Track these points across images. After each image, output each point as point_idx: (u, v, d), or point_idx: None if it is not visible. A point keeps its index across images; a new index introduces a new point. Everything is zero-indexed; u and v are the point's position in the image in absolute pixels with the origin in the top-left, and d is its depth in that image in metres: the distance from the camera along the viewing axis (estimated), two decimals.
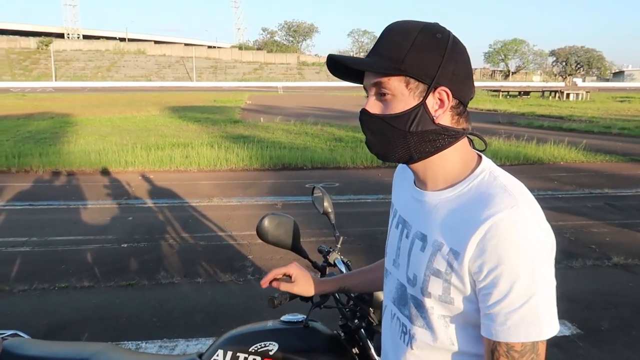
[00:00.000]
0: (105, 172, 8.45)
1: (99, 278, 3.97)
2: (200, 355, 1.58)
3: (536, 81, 76.41)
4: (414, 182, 0.99)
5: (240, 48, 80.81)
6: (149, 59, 71.24)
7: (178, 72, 68.37)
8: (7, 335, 1.64)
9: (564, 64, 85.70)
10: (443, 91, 0.86)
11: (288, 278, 1.38)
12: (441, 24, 0.90)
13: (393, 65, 0.85)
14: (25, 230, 5.19)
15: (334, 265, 1.61)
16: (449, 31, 0.89)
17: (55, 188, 7.41)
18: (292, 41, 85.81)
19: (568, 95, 36.40)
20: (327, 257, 1.61)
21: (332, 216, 1.73)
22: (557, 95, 37.78)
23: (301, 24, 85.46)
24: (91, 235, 5.07)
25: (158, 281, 3.90)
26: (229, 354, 1.52)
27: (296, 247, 1.47)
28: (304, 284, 1.37)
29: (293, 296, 1.42)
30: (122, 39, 76.38)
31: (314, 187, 1.81)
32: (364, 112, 0.91)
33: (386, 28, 0.91)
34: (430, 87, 0.85)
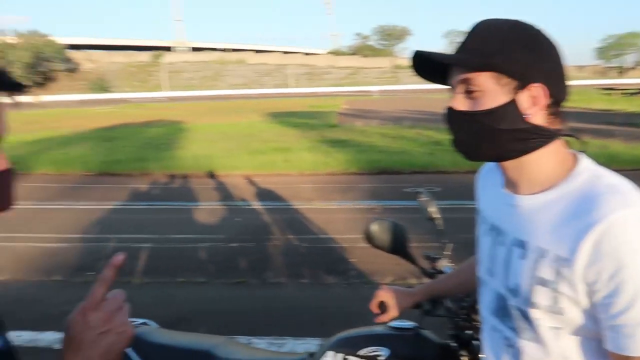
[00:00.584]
0: (213, 175, 9.00)
1: (212, 274, 4.24)
2: (312, 355, 1.63)
3: None
4: (504, 186, 0.94)
5: (334, 54, 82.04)
6: (249, 67, 74.77)
7: (276, 80, 71.03)
8: (138, 324, 1.81)
9: None
10: (537, 88, 0.82)
11: (383, 306, 1.43)
12: (534, 22, 0.87)
13: (483, 60, 0.82)
14: (146, 228, 5.69)
15: (442, 272, 1.59)
16: (540, 28, 0.85)
17: (170, 190, 8.03)
18: (385, 45, 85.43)
19: None
20: (434, 264, 1.59)
21: (439, 222, 1.71)
22: None
23: (395, 27, 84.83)
24: (203, 234, 5.43)
25: (265, 280, 4.08)
26: (339, 356, 1.54)
27: (404, 253, 1.47)
28: (398, 305, 1.40)
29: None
30: (225, 50, 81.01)
31: (419, 192, 1.80)
32: (450, 109, 0.88)
33: (474, 24, 0.88)
34: (523, 84, 0.81)
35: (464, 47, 0.86)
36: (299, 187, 7.93)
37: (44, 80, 65.10)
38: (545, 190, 0.86)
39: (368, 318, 3.34)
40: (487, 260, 0.97)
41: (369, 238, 1.43)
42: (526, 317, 0.87)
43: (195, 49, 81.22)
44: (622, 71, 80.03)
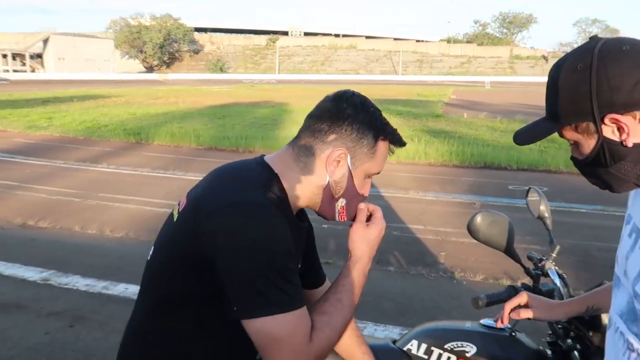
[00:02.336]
0: None
1: None
2: (394, 342, 1.61)
3: None
4: None
5: (448, 41, 79.06)
6: (359, 53, 74.73)
7: (385, 66, 70.26)
8: None
9: None
10: (611, 119, 0.80)
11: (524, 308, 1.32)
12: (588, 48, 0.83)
13: (554, 121, 0.87)
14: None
15: (547, 275, 1.47)
16: (591, 52, 0.81)
17: None
18: (505, 33, 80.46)
19: None
20: (539, 265, 1.47)
21: (548, 222, 1.58)
22: None
23: (518, 14, 79.45)
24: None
25: None
26: (423, 346, 1.50)
27: (509, 250, 1.37)
28: (542, 308, 1.30)
29: (498, 300, 1.34)
30: (337, 35, 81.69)
31: (530, 188, 1.67)
32: (572, 158, 0.94)
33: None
34: (597, 122, 0.81)
35: (546, 109, 0.92)
36: (395, 175, 7.82)
37: (171, 59, 70.71)
38: None
39: (451, 314, 3.24)
40: (623, 262, 0.93)
41: (473, 229, 1.36)
42: None
43: (308, 34, 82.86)
44: None
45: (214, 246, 0.92)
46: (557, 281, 1.46)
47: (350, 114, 1.04)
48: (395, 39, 79.14)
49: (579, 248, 4.50)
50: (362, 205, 1.10)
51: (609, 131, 0.82)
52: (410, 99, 25.32)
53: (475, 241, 4.07)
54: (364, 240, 1.10)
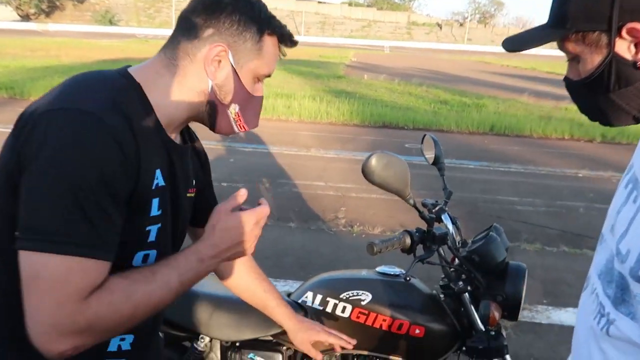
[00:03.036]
0: None
1: None
2: (289, 295, 1.54)
3: None
4: None
5: (350, 4, 79.58)
6: None
7: (288, 26, 69.18)
8: None
9: None
10: (633, 29, 0.67)
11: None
12: None
13: (559, 27, 0.73)
14: None
15: (440, 220, 1.46)
16: None
17: None
18: None
19: None
20: (434, 210, 1.46)
21: (443, 167, 1.57)
22: None
23: None
24: None
25: None
26: (319, 297, 1.45)
27: (403, 193, 1.33)
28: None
29: (392, 245, 1.30)
30: None
31: (425, 135, 1.65)
32: (565, 79, 0.81)
33: None
34: (613, 31, 0.68)
35: (549, 13, 0.79)
36: (298, 133, 7.76)
37: (51, 8, 63.54)
38: None
39: (350, 266, 3.28)
40: (613, 217, 0.81)
41: (367, 171, 1.28)
42: (626, 289, 0.71)
43: None
44: None
45: (24, 156, 0.76)
46: (450, 226, 1.47)
47: (228, 2, 0.90)
48: None
49: (467, 200, 4.78)
50: (243, 191, 0.94)
51: (624, 46, 0.69)
52: (312, 60, 25.21)
53: (374, 196, 4.17)
54: (232, 226, 0.91)
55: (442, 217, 1.48)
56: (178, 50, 0.91)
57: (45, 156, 0.74)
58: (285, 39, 0.97)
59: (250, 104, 0.97)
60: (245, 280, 1.31)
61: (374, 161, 1.27)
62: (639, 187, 0.74)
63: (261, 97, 1.00)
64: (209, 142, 6.76)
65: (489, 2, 78.06)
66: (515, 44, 0.81)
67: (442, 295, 1.48)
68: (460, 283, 1.38)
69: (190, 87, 0.91)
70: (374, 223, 4.06)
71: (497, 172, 6.03)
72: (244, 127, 0.99)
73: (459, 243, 1.44)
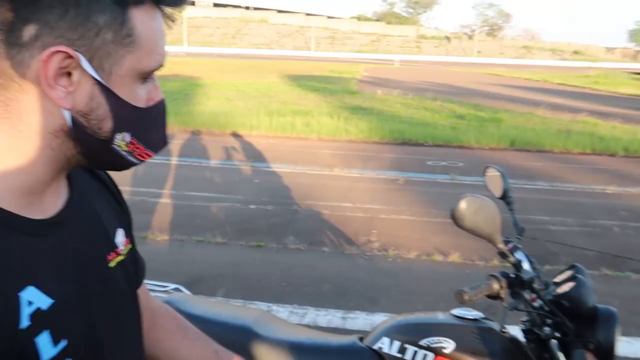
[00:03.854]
0: (232, 134, 8.83)
1: (231, 235, 4.13)
2: (361, 339, 1.49)
3: None
4: None
5: (359, 19, 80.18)
6: (270, 27, 73.42)
7: (297, 42, 69.80)
8: (170, 289, 1.67)
9: None
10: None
11: None
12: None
13: None
14: (163, 183, 5.58)
15: (516, 260, 1.41)
16: None
17: (188, 146, 7.89)
18: (412, 13, 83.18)
19: None
20: (508, 247, 1.41)
21: (511, 201, 1.52)
22: None
23: None
24: (222, 193, 5.31)
25: (285, 246, 3.96)
26: (396, 343, 1.40)
27: (495, 238, 1.28)
28: None
29: (482, 292, 1.25)
30: (247, 8, 79.50)
31: (488, 166, 1.59)
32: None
33: None
34: None
35: None
36: (318, 152, 7.74)
37: None
38: None
39: (390, 293, 3.23)
40: None
41: (457, 217, 1.22)
42: None
43: (217, 5, 79.76)
44: None
45: None
46: (527, 265, 1.42)
47: None
48: (307, 14, 78.72)
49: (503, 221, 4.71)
50: None
51: None
52: (324, 76, 25.34)
53: (404, 217, 4.09)
54: None
55: (517, 256, 1.43)
56: None
57: None
58: None
59: (146, 121, 0.63)
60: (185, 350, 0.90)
61: (464, 206, 1.23)
62: None
63: (161, 102, 0.65)
64: (230, 161, 6.79)
65: (497, 14, 78.20)
66: None
67: (524, 340, 1.42)
68: (547, 329, 1.32)
69: (35, 131, 0.56)
70: (408, 246, 4.00)
71: (523, 189, 5.95)
72: (146, 155, 0.65)
73: (541, 285, 1.39)
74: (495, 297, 1.30)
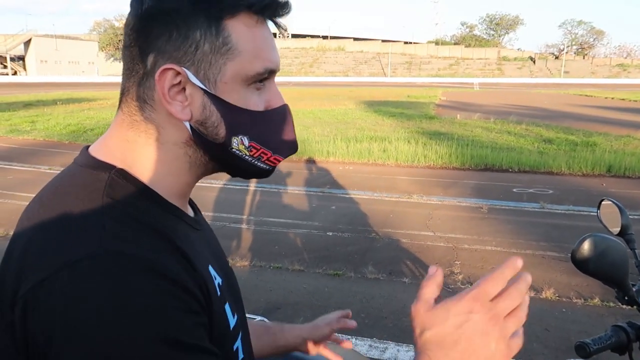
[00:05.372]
0: (309, 160, 8.93)
1: (308, 263, 4.09)
2: None
3: None
4: None
5: (436, 43, 79.42)
6: (347, 55, 74.71)
7: (373, 68, 70.30)
8: (256, 321, 1.63)
9: None
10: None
11: None
12: None
13: None
14: (243, 209, 5.69)
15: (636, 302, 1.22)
16: None
17: None
18: (492, 35, 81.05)
19: None
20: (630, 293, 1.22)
21: (632, 238, 1.32)
22: None
23: (504, 16, 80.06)
24: (299, 220, 5.31)
25: (364, 275, 3.85)
26: None
27: (623, 285, 1.11)
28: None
29: (607, 346, 1.08)
30: (325, 37, 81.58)
31: (604, 199, 1.41)
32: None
33: None
34: None
35: None
36: (396, 178, 7.59)
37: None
38: None
39: None
40: None
41: (578, 260, 1.06)
42: None
43: (295, 36, 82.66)
44: None
45: (47, 343, 0.51)
46: None
47: (152, 5, 0.61)
48: (383, 40, 79.33)
49: None
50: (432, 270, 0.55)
51: None
52: (400, 101, 25.18)
53: (488, 248, 3.80)
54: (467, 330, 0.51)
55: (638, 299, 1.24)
56: (133, 100, 0.64)
57: (98, 334, 0.50)
58: (265, 6, 0.63)
59: (265, 124, 0.66)
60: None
61: (589, 247, 1.07)
62: None
63: (282, 107, 0.69)
64: (308, 187, 6.82)
65: (587, 32, 74.05)
66: None
67: None
68: None
69: (173, 142, 0.65)
70: None
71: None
72: (275, 160, 0.68)
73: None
74: (623, 351, 1.12)
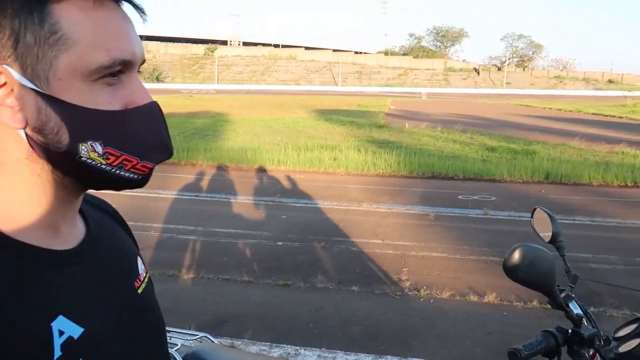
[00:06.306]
0: (260, 169, 8.87)
1: (257, 274, 4.05)
2: None
3: None
4: None
5: (385, 54, 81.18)
6: (299, 64, 75.01)
7: (325, 77, 70.95)
8: (198, 338, 1.60)
9: None
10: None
11: None
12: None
13: None
14: (192, 219, 5.57)
15: (569, 310, 1.27)
16: None
17: (216, 181, 7.95)
18: (439, 46, 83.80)
19: None
20: (560, 296, 1.28)
21: (562, 245, 1.39)
22: None
23: (450, 28, 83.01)
24: (249, 230, 5.26)
25: (313, 285, 3.85)
26: None
27: (551, 292, 1.16)
28: None
29: (538, 351, 1.13)
30: (276, 45, 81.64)
31: (536, 208, 1.47)
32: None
33: None
34: None
35: None
36: (346, 186, 7.67)
37: None
38: None
39: (422, 335, 3.06)
40: None
41: (510, 269, 1.10)
42: None
43: (247, 44, 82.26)
44: None
45: None
46: (585, 319, 1.28)
47: None
48: (334, 50, 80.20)
49: None
50: None
51: None
52: (351, 110, 25.51)
53: (435, 254, 3.89)
54: None
55: (571, 306, 1.29)
56: None
57: None
58: None
59: (123, 126, 0.55)
60: None
61: (517, 256, 1.11)
62: None
63: (147, 106, 0.58)
64: (257, 197, 6.77)
65: (527, 45, 77.91)
66: None
67: None
68: None
69: (14, 160, 0.54)
70: (441, 286, 3.83)
71: (562, 225, 5.69)
72: (143, 168, 0.57)
73: (602, 341, 1.24)
74: (552, 355, 1.17)
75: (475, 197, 6.99)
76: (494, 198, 7.01)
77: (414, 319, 3.33)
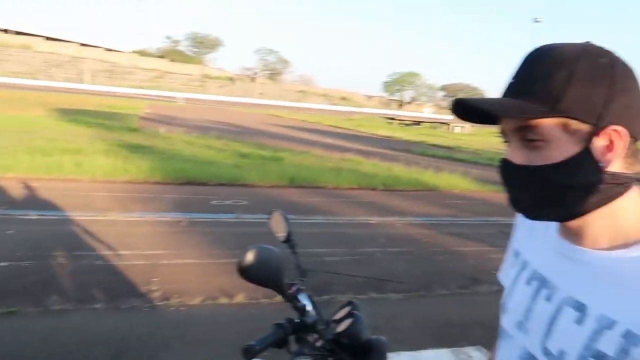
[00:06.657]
0: None
1: None
2: None
3: (427, 112, 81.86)
4: (559, 232, 0.78)
5: (140, 54, 77.18)
6: (36, 55, 65.18)
7: (69, 72, 63.33)
8: None
9: (452, 98, 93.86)
10: (614, 131, 0.67)
11: None
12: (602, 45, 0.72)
13: (548, 105, 0.67)
14: None
15: (297, 301, 1.44)
16: (613, 52, 0.70)
17: None
18: (196, 52, 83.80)
19: (454, 127, 39.82)
20: (291, 290, 1.44)
21: (295, 244, 1.57)
22: (446, 127, 41.10)
23: (207, 36, 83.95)
24: None
25: (47, 307, 3.40)
26: None
27: (282, 288, 1.28)
28: None
29: (271, 344, 1.23)
30: (5, 31, 69.17)
31: (273, 211, 1.62)
32: (506, 162, 0.73)
33: (530, 54, 0.71)
34: (598, 128, 0.67)
35: (520, 87, 0.70)
36: (92, 195, 7.02)
37: None
38: (621, 248, 0.69)
39: (173, 346, 3.03)
40: (521, 313, 0.81)
41: (244, 271, 1.16)
42: None
43: None
44: (401, 104, 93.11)
45: None
46: (310, 307, 1.46)
47: None
48: (81, 44, 72.34)
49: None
50: None
51: (599, 145, 0.67)
52: (101, 111, 23.47)
53: (188, 261, 4.00)
54: None
55: (301, 299, 1.46)
56: None
57: None
58: None
59: None
60: None
61: (251, 258, 1.19)
62: (548, 286, 0.78)
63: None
64: None
65: (277, 60, 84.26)
66: (507, 109, 0.70)
67: None
68: None
69: None
70: (193, 292, 3.85)
71: (303, 224, 6.36)
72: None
73: (323, 325, 1.44)
74: (282, 345, 1.30)
75: (228, 202, 7.23)
76: (245, 202, 7.38)
77: (164, 330, 3.26)
